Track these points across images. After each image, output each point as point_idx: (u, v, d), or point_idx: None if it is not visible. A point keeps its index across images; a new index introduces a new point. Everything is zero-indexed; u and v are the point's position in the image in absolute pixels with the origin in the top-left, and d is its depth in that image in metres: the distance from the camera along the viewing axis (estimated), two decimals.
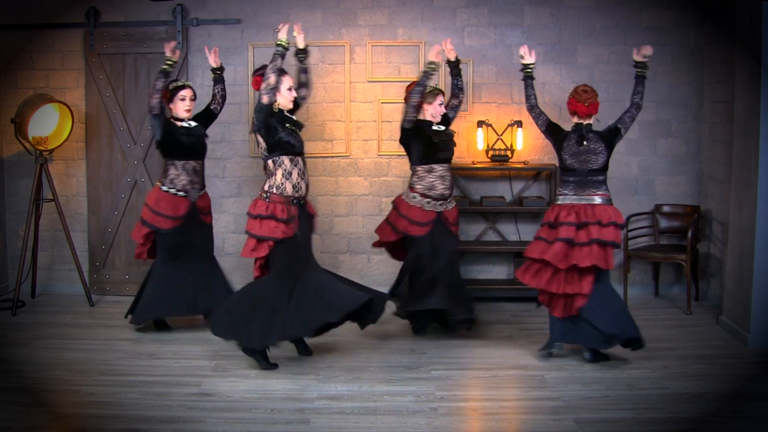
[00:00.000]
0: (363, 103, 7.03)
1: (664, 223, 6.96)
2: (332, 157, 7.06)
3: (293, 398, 4.76)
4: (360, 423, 4.41)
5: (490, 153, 6.84)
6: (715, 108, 6.68)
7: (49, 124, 6.66)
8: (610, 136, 5.27)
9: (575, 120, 5.34)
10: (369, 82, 7.01)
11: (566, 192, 5.31)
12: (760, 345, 5.55)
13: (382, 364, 5.33)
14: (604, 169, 5.28)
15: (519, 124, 6.81)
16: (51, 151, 6.74)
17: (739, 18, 5.78)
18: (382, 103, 7.00)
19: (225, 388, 4.89)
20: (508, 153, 6.82)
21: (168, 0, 6.78)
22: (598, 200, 5.24)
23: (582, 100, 5.25)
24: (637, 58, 5.33)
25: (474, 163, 6.83)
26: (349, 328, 6.14)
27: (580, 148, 5.26)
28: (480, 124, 6.84)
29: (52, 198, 6.71)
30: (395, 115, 7.01)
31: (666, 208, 6.98)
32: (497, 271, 7.15)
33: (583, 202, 5.24)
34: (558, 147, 5.34)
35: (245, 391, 4.84)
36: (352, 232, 7.13)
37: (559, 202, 5.33)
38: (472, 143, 6.97)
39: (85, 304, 6.76)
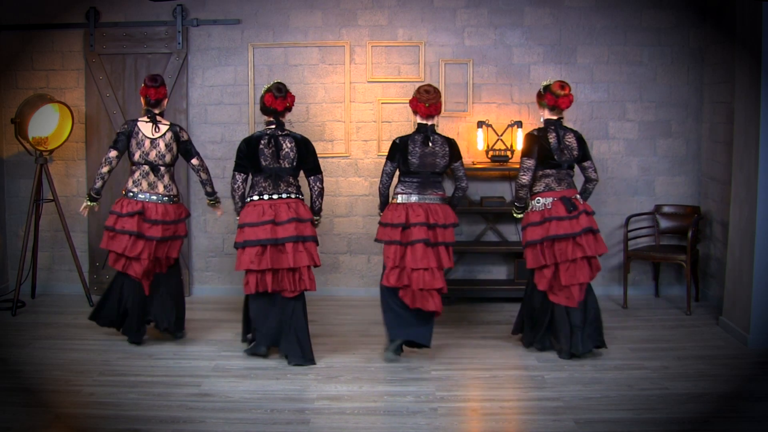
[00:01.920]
0: (363, 104, 7.03)
1: (664, 223, 6.96)
2: (332, 157, 7.06)
3: (293, 398, 4.76)
4: (360, 423, 4.40)
5: (490, 153, 6.83)
6: (715, 108, 6.68)
7: (49, 125, 6.66)
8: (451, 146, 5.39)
9: (417, 120, 5.39)
10: (369, 82, 7.01)
11: (409, 191, 5.35)
12: (760, 345, 5.54)
13: (382, 364, 5.33)
14: (443, 172, 5.42)
15: (519, 124, 6.80)
16: (51, 151, 6.74)
17: (739, 18, 5.78)
18: (382, 103, 7.00)
19: (225, 388, 4.89)
20: (508, 153, 6.82)
21: (168, 0, 6.78)
22: (437, 199, 5.37)
23: (423, 100, 5.29)
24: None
25: (474, 164, 6.82)
26: (350, 328, 6.15)
27: (425, 150, 5.32)
28: (480, 124, 6.84)
29: (52, 198, 6.71)
30: (395, 115, 7.02)
31: (666, 209, 6.98)
32: (497, 272, 7.15)
33: (427, 202, 5.33)
34: (403, 154, 5.33)
35: (245, 391, 4.83)
36: (352, 233, 7.13)
37: (401, 201, 5.35)
38: (472, 144, 6.96)
39: (85, 304, 6.76)
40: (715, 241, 6.72)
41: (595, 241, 5.36)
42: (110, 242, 5.56)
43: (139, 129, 5.55)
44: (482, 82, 6.97)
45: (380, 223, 5.42)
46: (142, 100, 5.60)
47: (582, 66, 6.95)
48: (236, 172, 5.38)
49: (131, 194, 5.56)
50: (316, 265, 5.33)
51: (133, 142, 5.53)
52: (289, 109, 5.46)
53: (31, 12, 6.96)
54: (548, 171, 5.41)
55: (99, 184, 5.61)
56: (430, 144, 5.32)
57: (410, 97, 5.40)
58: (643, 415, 4.45)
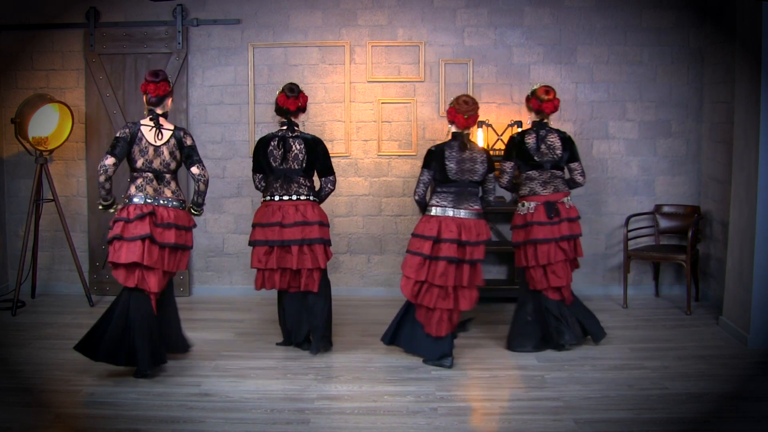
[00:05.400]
0: (363, 104, 7.03)
1: (664, 223, 6.96)
2: (332, 157, 7.02)
3: (293, 398, 4.76)
4: (360, 423, 4.41)
5: (490, 153, 6.82)
6: (715, 108, 6.68)
7: (49, 125, 6.67)
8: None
9: (453, 129, 5.24)
10: (369, 82, 7.01)
11: (444, 203, 5.20)
12: (760, 345, 5.55)
13: (382, 364, 5.33)
14: (481, 182, 5.28)
15: (519, 124, 6.80)
16: (51, 151, 6.74)
17: (739, 18, 5.78)
18: (382, 103, 7.00)
19: (225, 388, 4.89)
20: None
21: (168, 0, 6.78)
22: (470, 215, 5.19)
23: (462, 111, 5.16)
24: None
25: None
26: (349, 328, 6.15)
27: (462, 156, 5.19)
28: (480, 124, 6.84)
29: (52, 198, 6.71)
30: (395, 115, 7.02)
31: (666, 209, 6.98)
32: (497, 272, 7.15)
33: (462, 216, 5.17)
34: (440, 161, 5.19)
35: (245, 391, 4.84)
36: (352, 233, 7.13)
37: (435, 214, 5.19)
38: None
39: (85, 304, 6.76)
40: (715, 241, 6.72)
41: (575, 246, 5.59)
42: (117, 254, 4.91)
43: (143, 135, 5.03)
44: (482, 82, 6.97)
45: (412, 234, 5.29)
46: (144, 98, 5.11)
47: (582, 66, 6.95)
48: (253, 173, 5.60)
49: (137, 199, 5.00)
50: (320, 268, 5.42)
51: (136, 149, 5.01)
52: (302, 109, 5.49)
53: (31, 12, 6.96)
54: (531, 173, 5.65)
55: (103, 193, 5.04)
56: (467, 151, 5.20)
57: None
58: (643, 415, 4.46)
